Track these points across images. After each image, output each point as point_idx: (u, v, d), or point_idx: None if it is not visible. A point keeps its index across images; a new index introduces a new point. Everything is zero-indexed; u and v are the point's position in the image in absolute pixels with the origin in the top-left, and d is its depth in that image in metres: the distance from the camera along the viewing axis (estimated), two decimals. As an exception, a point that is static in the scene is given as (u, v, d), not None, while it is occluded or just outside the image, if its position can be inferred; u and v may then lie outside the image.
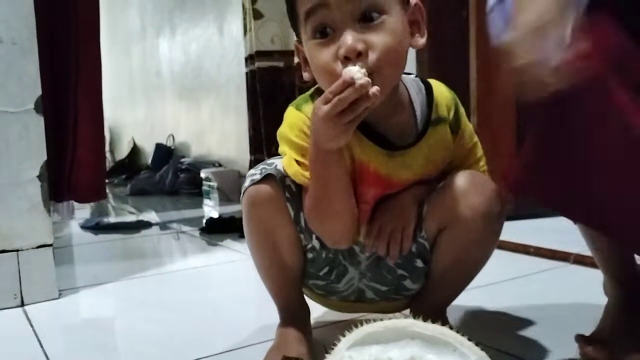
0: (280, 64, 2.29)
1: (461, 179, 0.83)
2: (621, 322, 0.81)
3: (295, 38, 0.84)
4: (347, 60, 0.70)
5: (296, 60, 2.09)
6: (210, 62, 3.40)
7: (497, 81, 1.86)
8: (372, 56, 0.71)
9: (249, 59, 2.51)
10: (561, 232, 1.72)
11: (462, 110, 0.89)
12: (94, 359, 0.94)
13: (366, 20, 0.72)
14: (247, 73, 2.57)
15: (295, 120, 0.83)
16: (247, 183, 0.86)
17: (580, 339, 0.83)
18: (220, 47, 3.26)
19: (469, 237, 0.83)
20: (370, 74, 0.69)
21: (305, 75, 0.83)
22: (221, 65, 3.28)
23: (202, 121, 3.58)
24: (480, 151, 0.91)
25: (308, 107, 0.82)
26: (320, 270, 0.91)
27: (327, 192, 0.79)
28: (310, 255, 0.90)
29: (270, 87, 2.30)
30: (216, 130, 3.43)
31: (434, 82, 0.88)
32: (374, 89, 0.67)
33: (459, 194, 0.82)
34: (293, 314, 0.91)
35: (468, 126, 0.90)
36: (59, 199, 1.53)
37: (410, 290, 0.93)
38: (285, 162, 0.82)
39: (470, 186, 0.82)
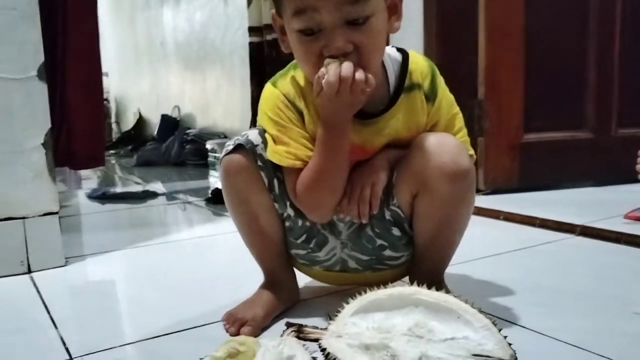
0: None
1: (424, 142, 0.84)
2: None
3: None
4: (332, 56, 0.75)
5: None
6: (214, 31, 3.36)
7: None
8: (359, 55, 0.76)
9: (257, 29, 2.47)
10: (567, 204, 1.73)
11: (440, 79, 0.89)
12: (100, 324, 0.95)
13: (353, 23, 0.76)
14: (250, 43, 2.53)
15: (270, 95, 0.88)
16: (222, 154, 0.90)
17: None
18: (225, 16, 3.22)
19: (442, 199, 0.84)
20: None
21: (285, 47, 0.85)
22: (226, 35, 3.24)
23: (207, 92, 3.56)
24: (460, 122, 0.92)
25: (282, 83, 0.87)
26: (298, 238, 0.93)
27: (334, 165, 0.83)
28: (287, 224, 0.93)
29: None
30: (221, 102, 3.41)
31: (411, 52, 0.90)
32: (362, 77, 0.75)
33: (424, 157, 0.83)
34: (273, 279, 0.95)
35: (447, 96, 0.90)
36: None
37: (395, 259, 0.94)
38: (270, 150, 0.86)
39: (433, 147, 0.83)
